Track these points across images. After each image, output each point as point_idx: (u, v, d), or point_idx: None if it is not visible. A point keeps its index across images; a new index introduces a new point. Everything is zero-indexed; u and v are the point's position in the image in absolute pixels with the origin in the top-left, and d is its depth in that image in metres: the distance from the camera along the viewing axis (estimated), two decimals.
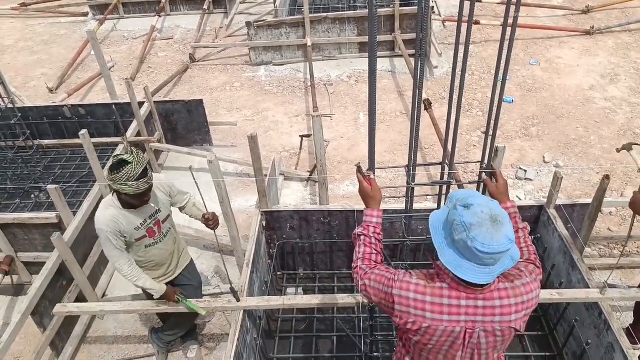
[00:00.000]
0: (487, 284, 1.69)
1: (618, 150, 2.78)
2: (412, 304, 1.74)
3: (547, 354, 3.36)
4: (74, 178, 4.96)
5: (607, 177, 2.93)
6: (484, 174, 2.61)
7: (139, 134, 5.17)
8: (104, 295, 4.08)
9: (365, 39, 7.30)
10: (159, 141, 5.38)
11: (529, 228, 2.03)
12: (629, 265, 4.00)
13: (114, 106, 5.34)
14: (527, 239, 2.02)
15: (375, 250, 2.00)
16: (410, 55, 6.82)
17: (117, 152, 4.66)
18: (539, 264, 1.92)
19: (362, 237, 2.02)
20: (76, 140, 4.70)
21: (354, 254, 2.02)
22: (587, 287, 2.97)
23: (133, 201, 2.76)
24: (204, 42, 8.60)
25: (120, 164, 2.61)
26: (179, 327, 3.46)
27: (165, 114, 5.57)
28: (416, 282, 1.76)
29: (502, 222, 1.60)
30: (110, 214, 2.80)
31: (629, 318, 3.56)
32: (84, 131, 3.93)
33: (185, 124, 5.67)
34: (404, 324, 1.78)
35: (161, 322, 3.64)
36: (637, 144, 2.81)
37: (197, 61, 7.97)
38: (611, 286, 2.91)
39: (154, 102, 5.40)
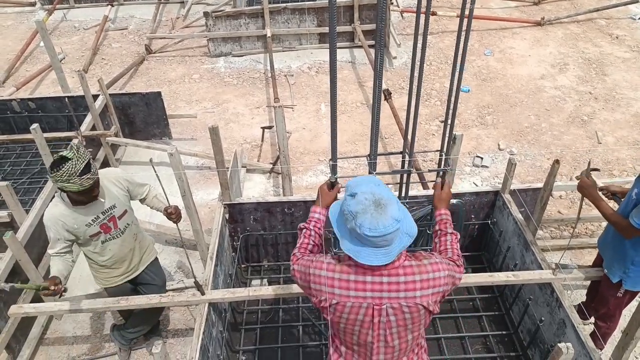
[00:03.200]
0: (391, 262, 1.78)
1: (577, 178, 2.93)
2: (323, 281, 1.86)
3: (504, 332, 3.51)
4: (26, 175, 4.77)
5: (557, 162, 3.07)
6: (439, 178, 2.74)
7: (94, 128, 5.01)
8: (60, 295, 3.95)
9: (325, 29, 7.32)
10: (116, 135, 5.23)
11: (458, 236, 2.17)
12: (578, 245, 4.21)
13: (66, 99, 5.14)
14: (454, 243, 2.12)
15: (313, 242, 2.14)
16: (370, 46, 6.88)
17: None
18: (461, 264, 2.02)
19: (304, 230, 2.17)
20: (27, 136, 4.51)
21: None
22: (540, 267, 3.12)
23: (81, 198, 2.68)
24: (160, 32, 8.38)
25: (61, 161, 2.52)
26: (141, 324, 3.41)
27: (121, 107, 5.42)
28: (329, 262, 1.88)
29: (385, 205, 1.70)
30: (58, 212, 2.73)
31: (579, 296, 3.76)
32: (35, 125, 3.78)
33: (143, 117, 5.53)
34: (319, 303, 1.88)
35: (123, 320, 3.57)
36: (596, 169, 2.96)
37: (154, 52, 7.77)
38: (562, 266, 3.07)
39: (110, 94, 5.24)
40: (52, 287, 2.59)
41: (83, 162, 2.54)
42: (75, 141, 4.63)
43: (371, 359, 1.97)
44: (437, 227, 2.21)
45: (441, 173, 2.89)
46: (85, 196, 2.67)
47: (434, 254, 1.94)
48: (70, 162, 2.51)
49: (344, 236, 1.79)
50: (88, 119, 4.98)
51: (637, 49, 7.38)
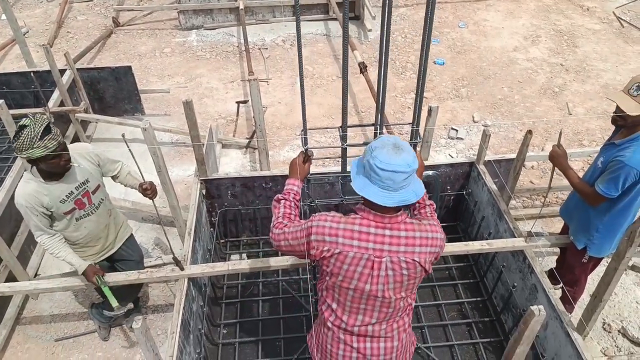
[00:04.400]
0: (395, 215, 1.88)
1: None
2: (327, 232, 1.90)
3: (479, 298, 3.63)
4: None
5: (529, 132, 3.12)
6: None
7: (62, 104, 4.85)
8: (36, 275, 3.89)
9: (301, 1, 7.17)
10: (86, 111, 5.08)
11: (434, 206, 2.27)
12: (549, 214, 4.34)
13: (32, 74, 4.95)
14: (433, 214, 2.24)
15: (294, 212, 2.16)
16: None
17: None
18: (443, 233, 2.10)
19: (283, 201, 2.18)
20: None
21: (273, 215, 2.15)
22: (513, 236, 3.21)
23: (51, 168, 2.61)
24: (128, 4, 8.09)
25: (20, 130, 2.48)
26: (120, 301, 3.39)
27: (90, 82, 5.25)
28: (333, 215, 1.96)
29: (403, 149, 1.82)
30: (30, 189, 2.65)
31: (550, 262, 3.90)
32: (0, 102, 3.63)
33: (114, 92, 5.38)
34: (320, 253, 1.91)
35: (101, 297, 3.54)
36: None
37: (122, 25, 7.51)
38: (534, 234, 3.16)
39: (77, 69, 5.06)
40: (94, 279, 2.86)
41: (41, 125, 2.49)
42: (43, 117, 4.47)
43: (363, 320, 2.01)
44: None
45: (412, 145, 2.91)
46: (55, 165, 2.60)
47: (431, 217, 2.06)
48: (28, 128, 2.46)
49: (357, 175, 1.89)
50: (55, 95, 4.81)
51: (607, 20, 7.50)
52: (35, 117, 2.53)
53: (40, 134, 2.46)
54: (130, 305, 3.16)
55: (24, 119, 2.52)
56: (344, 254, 1.88)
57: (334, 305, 2.04)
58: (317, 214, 1.99)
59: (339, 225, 1.90)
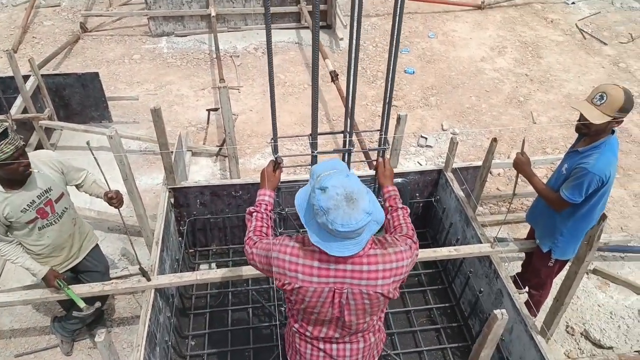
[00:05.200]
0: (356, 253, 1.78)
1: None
2: (287, 266, 1.84)
3: (447, 304, 3.67)
4: None
5: (494, 140, 3.20)
6: (380, 157, 2.76)
7: (25, 111, 4.72)
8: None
9: (272, 9, 7.17)
10: (50, 118, 4.95)
11: (408, 210, 2.20)
12: (514, 220, 4.45)
13: None
14: (407, 217, 2.16)
15: (266, 224, 2.11)
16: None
17: None
18: (416, 241, 2.03)
19: (255, 214, 2.13)
20: None
21: (246, 230, 2.11)
22: (480, 242, 3.27)
23: (9, 174, 2.53)
24: (96, 10, 7.95)
25: None
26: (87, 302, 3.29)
27: (55, 89, 5.13)
28: (292, 245, 1.87)
29: (357, 199, 1.69)
30: None
31: (515, 267, 3.98)
32: None
33: (80, 99, 5.26)
34: (282, 286, 1.88)
35: (64, 311, 3.43)
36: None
37: (90, 31, 7.37)
38: (500, 240, 3.23)
39: (42, 75, 4.94)
40: (55, 283, 2.80)
41: None
42: (5, 125, 4.34)
43: (327, 333, 2.01)
44: (387, 204, 2.23)
45: (381, 152, 2.94)
46: (13, 171, 2.52)
47: (398, 240, 1.94)
48: None
49: (312, 228, 1.77)
50: (18, 102, 4.68)
51: (570, 32, 7.77)
52: None
53: None
54: (98, 304, 3.06)
55: None
56: (304, 289, 1.84)
57: (299, 317, 2.04)
58: (278, 239, 1.93)
59: (298, 260, 1.83)
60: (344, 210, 1.67)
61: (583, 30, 7.78)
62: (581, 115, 2.69)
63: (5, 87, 4.82)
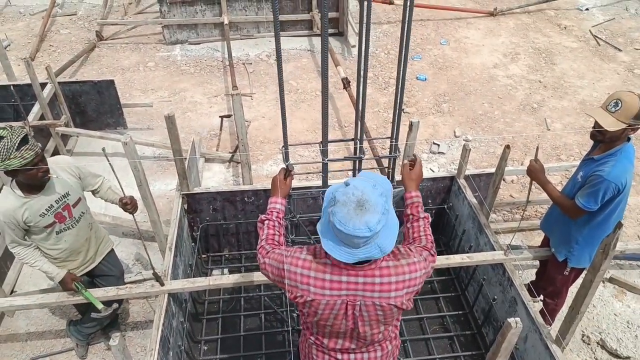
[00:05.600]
0: (367, 265, 1.77)
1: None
2: (299, 279, 1.84)
3: (460, 312, 3.65)
4: None
5: (507, 147, 3.18)
6: (406, 159, 2.69)
7: (42, 118, 4.81)
8: (12, 291, 3.80)
9: (284, 17, 7.25)
10: (66, 125, 5.03)
11: (430, 219, 2.13)
12: (528, 227, 4.41)
13: (11, 88, 4.90)
14: (427, 228, 2.09)
15: (278, 232, 2.10)
16: (331, 34, 6.88)
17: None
18: (434, 252, 2.01)
19: (267, 222, 2.12)
20: None
21: (258, 238, 2.11)
22: (493, 249, 3.25)
23: (29, 180, 2.58)
24: (112, 18, 8.08)
25: None
26: (98, 319, 3.33)
27: (72, 96, 5.21)
28: (304, 258, 1.85)
29: (367, 209, 1.64)
30: (9, 204, 2.62)
31: (529, 275, 3.94)
32: None
33: (96, 106, 5.35)
34: (294, 298, 1.87)
35: (79, 314, 3.47)
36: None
37: (105, 39, 7.49)
38: (514, 247, 3.20)
39: (59, 82, 5.03)
40: (72, 286, 2.85)
41: (18, 136, 2.47)
42: (21, 128, 4.42)
43: (343, 345, 2.00)
44: (408, 211, 2.15)
45: (392, 159, 2.92)
46: (33, 177, 2.57)
47: (412, 252, 1.90)
48: (5, 139, 2.44)
49: (323, 217, 1.77)
50: (36, 109, 4.77)
51: (584, 39, 7.72)
52: (12, 128, 2.51)
53: (17, 144, 2.44)
54: (116, 305, 3.09)
55: (1, 130, 2.49)
56: (317, 301, 1.83)
57: (314, 330, 2.03)
58: (289, 250, 1.92)
59: (309, 272, 1.82)
60: (348, 210, 1.64)
61: (597, 37, 7.72)
62: (596, 122, 2.67)
63: (23, 94, 4.92)
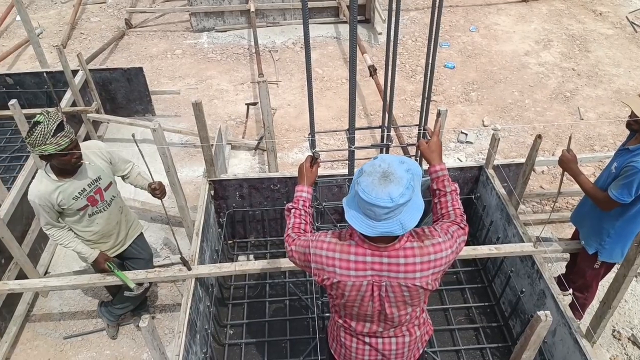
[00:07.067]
0: (392, 244, 1.78)
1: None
2: (325, 261, 1.85)
3: (487, 303, 3.60)
4: (5, 152, 4.67)
5: (539, 136, 3.10)
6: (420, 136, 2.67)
7: (74, 104, 4.91)
8: (46, 272, 3.93)
9: (311, 4, 7.19)
10: (97, 111, 5.13)
11: (458, 190, 2.06)
12: (559, 219, 4.31)
13: (45, 75, 5.02)
14: (455, 201, 2.04)
15: (305, 220, 2.11)
16: (358, 22, 6.80)
17: None
18: (465, 224, 1.96)
19: (293, 210, 2.13)
20: (5, 112, 4.40)
21: (285, 225, 2.13)
22: (522, 241, 3.18)
23: (63, 165, 2.65)
24: (141, 6, 8.17)
25: (33, 127, 2.52)
26: (129, 300, 3.41)
27: (102, 83, 5.31)
28: (329, 241, 1.87)
29: (391, 181, 1.64)
30: (43, 187, 2.69)
31: (559, 268, 3.86)
32: (13, 101, 3.69)
33: (125, 93, 5.43)
34: (322, 281, 1.89)
35: (110, 296, 3.57)
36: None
37: (134, 27, 7.58)
38: (543, 239, 3.14)
39: (89, 70, 5.12)
40: (105, 266, 2.95)
41: (55, 122, 2.52)
42: (57, 114, 4.53)
43: (371, 328, 2.01)
44: (434, 186, 2.07)
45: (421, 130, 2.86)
46: (67, 162, 2.63)
47: (437, 231, 1.87)
48: (41, 124, 2.50)
49: (351, 191, 1.79)
50: (68, 95, 4.87)
51: (620, 25, 7.43)
52: (49, 113, 2.56)
53: (53, 130, 2.50)
54: (147, 284, 3.17)
55: (38, 115, 2.56)
56: (343, 283, 1.84)
57: (342, 313, 2.04)
58: (315, 235, 1.94)
59: (334, 254, 1.84)
60: (372, 180, 1.66)
61: (634, 23, 7.42)
62: (632, 111, 2.58)
63: (55, 81, 5.03)
